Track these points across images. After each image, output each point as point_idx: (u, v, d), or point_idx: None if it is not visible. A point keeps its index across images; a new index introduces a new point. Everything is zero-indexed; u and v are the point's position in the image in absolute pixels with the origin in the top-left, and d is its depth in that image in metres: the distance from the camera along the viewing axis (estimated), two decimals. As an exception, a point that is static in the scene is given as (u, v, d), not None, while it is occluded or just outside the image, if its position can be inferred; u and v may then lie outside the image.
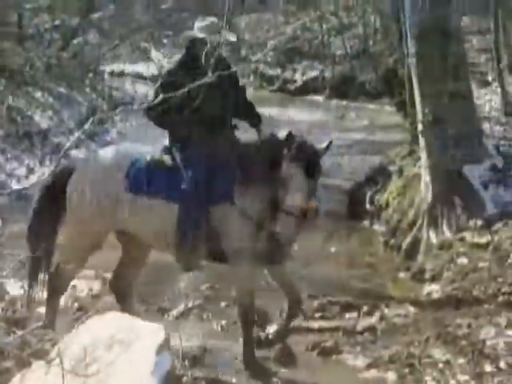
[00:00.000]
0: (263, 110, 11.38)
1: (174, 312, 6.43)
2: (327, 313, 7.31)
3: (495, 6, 12.92)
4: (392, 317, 7.17)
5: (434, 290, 7.85)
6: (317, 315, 7.17)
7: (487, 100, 12.14)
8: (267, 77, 17.37)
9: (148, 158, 5.30)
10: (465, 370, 5.62)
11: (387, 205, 9.56)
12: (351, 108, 14.55)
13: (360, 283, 8.17)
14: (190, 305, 6.51)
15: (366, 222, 9.69)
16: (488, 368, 5.82)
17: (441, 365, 5.97)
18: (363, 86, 15.28)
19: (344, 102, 15.06)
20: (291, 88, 16.73)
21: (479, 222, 8.12)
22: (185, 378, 5.14)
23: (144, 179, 5.25)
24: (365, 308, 7.14)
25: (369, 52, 14.95)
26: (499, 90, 11.70)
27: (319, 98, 16.09)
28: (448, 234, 8.26)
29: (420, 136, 8.75)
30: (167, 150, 5.34)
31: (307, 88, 16.43)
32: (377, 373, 5.94)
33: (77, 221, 5.43)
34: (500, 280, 7.51)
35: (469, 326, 6.64)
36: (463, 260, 7.98)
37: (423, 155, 8.74)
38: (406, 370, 5.88)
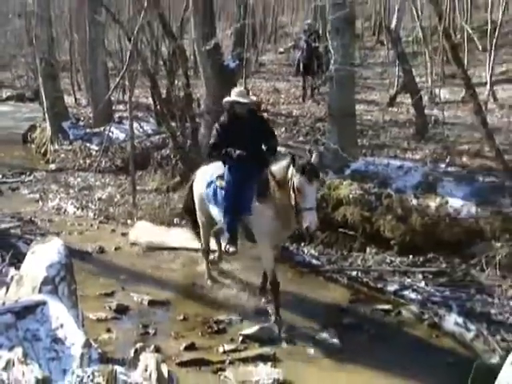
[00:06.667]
0: None
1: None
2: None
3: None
4: (37, 176, 11.37)
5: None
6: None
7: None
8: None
9: (214, 178, 6.50)
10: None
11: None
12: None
13: (28, 164, 12.44)
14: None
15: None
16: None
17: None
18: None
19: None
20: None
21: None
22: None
23: (210, 192, 6.57)
24: (28, 173, 11.61)
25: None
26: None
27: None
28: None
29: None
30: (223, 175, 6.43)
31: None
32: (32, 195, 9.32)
33: (195, 201, 7.11)
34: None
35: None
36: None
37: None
38: (46, 194, 9.66)
